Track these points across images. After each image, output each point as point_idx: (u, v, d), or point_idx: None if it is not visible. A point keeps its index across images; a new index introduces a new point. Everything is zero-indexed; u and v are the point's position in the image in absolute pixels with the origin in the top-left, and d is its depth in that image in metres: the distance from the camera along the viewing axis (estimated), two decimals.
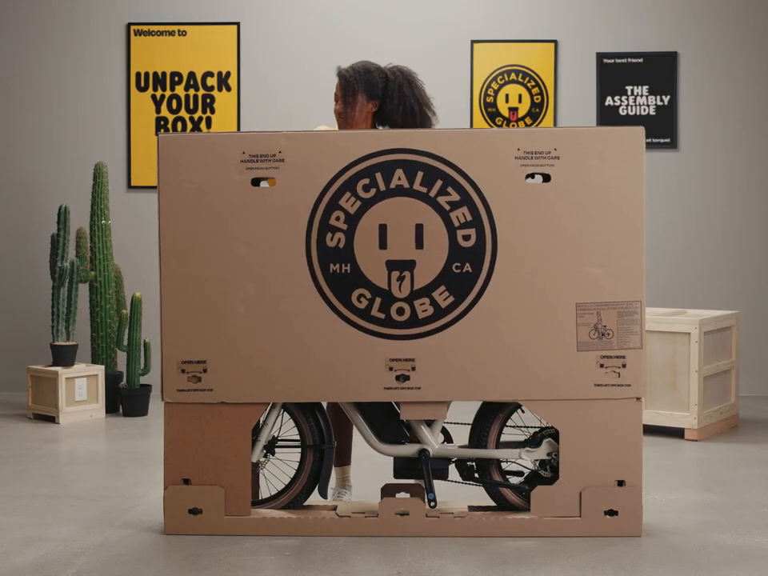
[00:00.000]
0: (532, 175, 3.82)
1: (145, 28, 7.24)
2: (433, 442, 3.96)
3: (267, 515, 3.92)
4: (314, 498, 4.09)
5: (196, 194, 3.83)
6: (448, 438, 4.03)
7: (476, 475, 4.01)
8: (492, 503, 4.03)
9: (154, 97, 7.24)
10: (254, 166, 3.81)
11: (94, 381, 6.41)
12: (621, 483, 3.89)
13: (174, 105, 7.23)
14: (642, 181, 3.80)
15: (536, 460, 3.98)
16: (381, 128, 4.29)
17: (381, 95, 4.26)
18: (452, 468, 4.05)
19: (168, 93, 7.24)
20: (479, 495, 4.21)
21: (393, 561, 3.62)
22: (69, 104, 7.26)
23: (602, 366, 3.84)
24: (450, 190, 3.79)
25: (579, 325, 3.81)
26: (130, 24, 7.22)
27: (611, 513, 3.88)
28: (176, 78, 7.25)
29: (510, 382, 3.83)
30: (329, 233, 3.80)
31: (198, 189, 3.82)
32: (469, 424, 4.07)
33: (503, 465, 4.07)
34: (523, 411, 4.08)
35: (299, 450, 4.03)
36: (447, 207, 3.79)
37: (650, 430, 5.79)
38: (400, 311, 3.81)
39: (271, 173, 3.81)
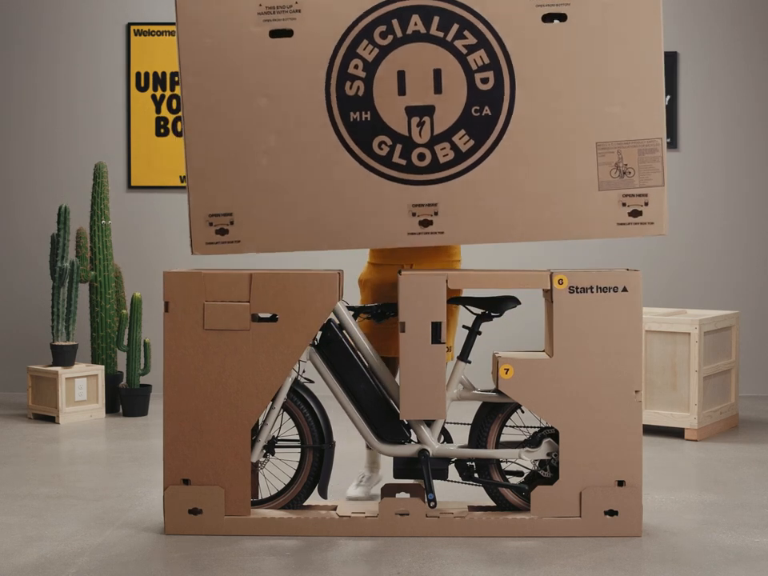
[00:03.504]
0: (548, 16, 3.79)
1: (145, 28, 7.24)
2: (433, 442, 3.96)
3: (267, 515, 3.92)
4: (314, 498, 4.09)
5: (215, 49, 3.86)
6: (448, 438, 4.03)
7: (476, 475, 4.01)
8: (492, 503, 4.03)
9: (153, 97, 7.24)
10: (271, 18, 3.84)
11: (93, 381, 6.41)
12: (621, 483, 3.89)
13: (174, 105, 7.23)
14: (659, 17, 3.76)
15: (536, 460, 3.98)
16: None
17: None
18: (452, 468, 4.05)
19: (168, 93, 7.24)
20: (479, 495, 4.21)
21: (393, 561, 3.62)
22: (69, 104, 7.26)
23: (624, 204, 3.83)
24: (466, 33, 3.79)
25: (600, 164, 3.82)
26: (130, 24, 7.22)
27: (611, 513, 3.88)
28: (176, 78, 7.24)
29: (532, 224, 3.84)
30: (348, 81, 3.83)
31: (217, 44, 3.85)
32: (469, 424, 4.07)
33: (503, 465, 4.07)
34: (523, 411, 4.08)
35: (299, 449, 4.04)
36: (464, 51, 3.79)
37: (650, 430, 5.79)
38: (421, 157, 3.83)
39: (288, 24, 3.83)
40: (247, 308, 3.90)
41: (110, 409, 6.55)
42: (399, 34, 3.81)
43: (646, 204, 3.83)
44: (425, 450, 3.95)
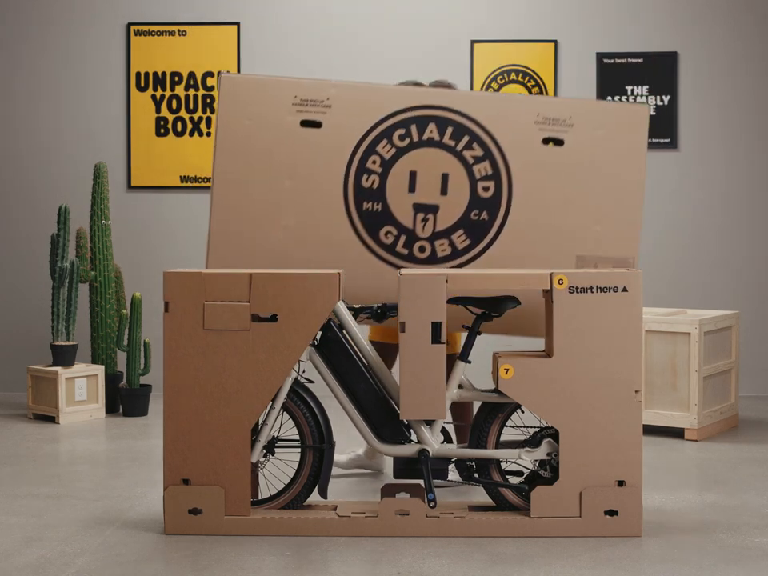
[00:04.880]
0: (547, 140, 4.20)
1: (145, 28, 7.24)
2: (433, 442, 3.96)
3: (267, 515, 3.92)
4: (314, 498, 4.09)
5: (251, 130, 4.20)
6: (448, 438, 4.03)
7: (476, 475, 4.01)
8: (492, 503, 4.03)
9: (153, 97, 7.24)
10: (304, 109, 4.21)
11: (93, 381, 6.41)
12: (621, 483, 3.89)
13: (174, 105, 7.23)
14: (643, 153, 4.18)
15: (536, 460, 3.98)
16: None
17: None
18: (451, 467, 4.05)
19: (168, 93, 7.24)
20: (479, 495, 4.21)
21: (393, 561, 3.62)
22: (69, 104, 7.26)
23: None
24: (475, 145, 4.20)
25: None
26: (129, 24, 7.22)
27: (611, 513, 3.88)
28: (176, 78, 7.25)
29: (512, 320, 4.24)
30: (365, 174, 4.21)
31: (253, 126, 4.21)
32: (469, 424, 4.07)
33: (503, 465, 4.07)
34: (523, 411, 4.08)
35: (299, 449, 4.04)
36: (471, 161, 4.20)
37: (650, 430, 5.80)
38: (422, 249, 4.24)
39: (318, 116, 4.21)
40: (247, 308, 3.90)
41: (110, 409, 6.55)
42: (416, 138, 4.21)
43: None
44: (425, 449, 3.95)
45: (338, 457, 4.85)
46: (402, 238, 4.23)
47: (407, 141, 4.20)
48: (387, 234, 4.22)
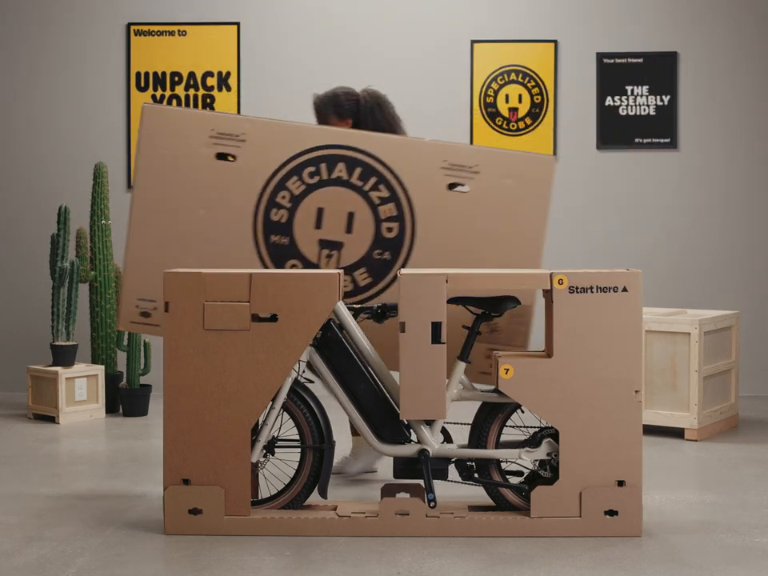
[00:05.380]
0: (452, 186, 4.30)
1: (145, 28, 7.24)
2: (433, 442, 3.96)
3: (267, 515, 3.92)
4: (314, 498, 4.09)
5: (169, 159, 4.34)
6: (448, 438, 4.03)
7: (476, 475, 4.01)
8: (492, 503, 4.03)
9: (154, 97, 7.24)
10: (220, 143, 4.35)
11: (93, 381, 6.41)
12: (621, 483, 3.89)
13: (174, 105, 7.23)
14: (547, 204, 4.27)
15: (536, 460, 3.98)
16: None
17: (351, 115, 4.75)
18: (452, 468, 4.05)
19: (168, 93, 7.24)
20: (479, 495, 4.21)
21: (393, 561, 3.62)
22: (69, 104, 7.26)
23: (488, 357, 4.35)
24: (381, 187, 4.32)
25: None
26: (130, 24, 7.22)
27: (611, 513, 3.88)
28: (176, 78, 7.25)
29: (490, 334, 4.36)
30: (274, 208, 4.35)
31: (171, 155, 4.34)
32: (469, 424, 4.07)
33: (503, 465, 4.07)
34: (523, 411, 4.08)
35: (299, 449, 4.03)
36: (377, 201, 4.33)
37: (650, 430, 5.80)
38: None
39: (233, 150, 4.35)
40: (247, 308, 3.90)
41: (110, 409, 6.55)
42: (325, 176, 4.34)
43: None
44: (425, 449, 3.95)
45: (341, 464, 4.77)
46: None
47: (316, 178, 4.34)
48: (293, 267, 4.35)
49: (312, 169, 4.34)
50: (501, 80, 7.19)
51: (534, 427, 4.07)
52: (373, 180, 4.32)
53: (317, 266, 4.33)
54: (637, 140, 7.17)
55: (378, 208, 4.33)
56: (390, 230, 4.33)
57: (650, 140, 7.15)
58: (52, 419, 6.26)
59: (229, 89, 7.24)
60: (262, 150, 4.34)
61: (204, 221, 4.34)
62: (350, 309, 4.09)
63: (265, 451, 4.02)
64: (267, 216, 4.34)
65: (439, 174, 4.30)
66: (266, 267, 4.34)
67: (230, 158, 4.35)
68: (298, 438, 4.05)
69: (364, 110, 4.74)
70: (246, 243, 4.35)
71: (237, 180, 4.34)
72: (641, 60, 7.17)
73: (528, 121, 7.19)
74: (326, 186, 4.34)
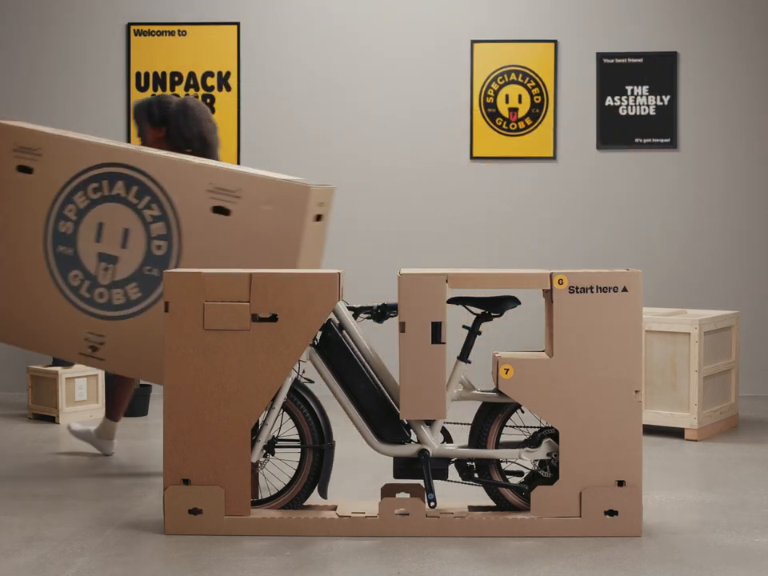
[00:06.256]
0: (216, 208, 4.48)
1: (145, 28, 7.24)
2: (433, 442, 3.96)
3: (267, 515, 3.92)
4: (314, 498, 4.09)
5: None
6: (448, 438, 4.03)
7: (476, 475, 4.01)
8: (492, 503, 4.03)
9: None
10: (21, 156, 4.70)
11: (93, 381, 6.41)
12: (621, 483, 3.89)
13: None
14: (301, 229, 4.40)
15: (536, 460, 3.98)
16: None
17: (163, 122, 5.06)
18: (452, 468, 4.05)
19: (168, 93, 7.24)
20: (479, 495, 4.21)
21: (393, 561, 3.62)
22: (69, 104, 7.26)
23: None
24: (154, 206, 4.56)
25: None
26: (129, 24, 7.22)
27: (611, 513, 3.88)
28: (176, 78, 7.25)
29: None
30: (62, 220, 4.65)
31: None
32: (469, 424, 4.07)
33: (503, 465, 4.07)
34: (523, 411, 4.08)
35: (299, 449, 4.04)
36: (149, 219, 4.57)
37: (650, 430, 5.80)
38: (101, 295, 4.63)
39: (31, 163, 4.68)
40: (247, 308, 3.90)
41: None
42: (106, 192, 4.61)
43: None
44: (425, 449, 3.95)
45: (75, 425, 5.34)
46: (86, 283, 4.63)
47: (99, 194, 4.61)
48: (75, 277, 4.64)
49: (96, 185, 4.61)
50: (501, 80, 7.19)
51: (534, 427, 4.07)
52: (147, 199, 4.56)
53: (95, 278, 4.62)
54: (637, 140, 7.17)
55: (150, 226, 4.56)
56: (159, 247, 4.55)
57: (649, 140, 7.15)
58: (52, 419, 6.26)
59: (229, 89, 7.24)
60: (55, 165, 4.64)
61: (3, 226, 4.72)
62: (349, 309, 4.09)
63: (265, 451, 4.02)
64: (56, 227, 4.65)
65: (205, 196, 4.49)
66: (52, 275, 4.66)
67: (29, 171, 4.68)
68: (297, 438, 4.05)
69: (173, 118, 5.03)
70: (36, 251, 4.68)
71: (33, 192, 4.67)
72: (641, 60, 7.17)
73: (528, 121, 7.19)
74: (106, 201, 4.61)
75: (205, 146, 5.06)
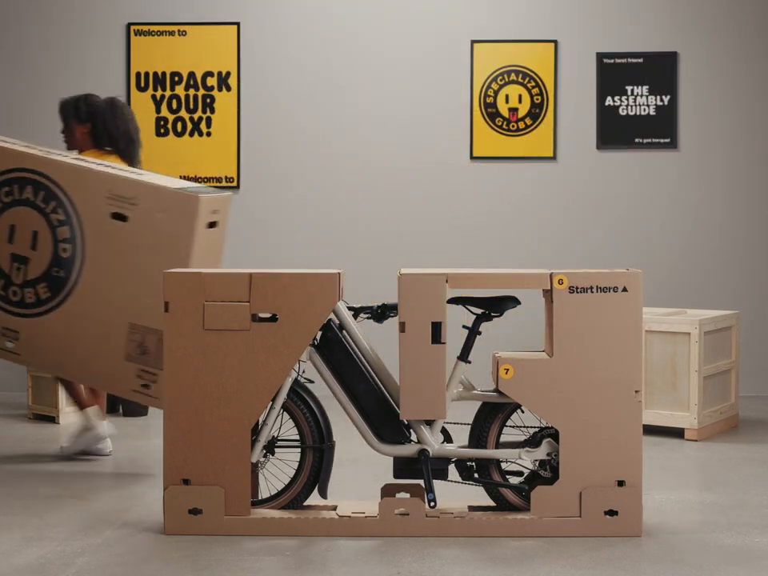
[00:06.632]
0: (115, 215, 4.70)
1: (145, 28, 7.24)
2: (433, 442, 3.96)
3: (267, 515, 3.92)
4: (314, 498, 4.09)
5: None
6: (448, 438, 4.03)
7: (476, 475, 4.01)
8: (492, 503, 4.03)
9: (153, 97, 7.24)
10: None
11: None
12: (621, 483, 3.89)
13: (174, 105, 7.23)
14: (191, 239, 4.62)
15: (536, 460, 3.98)
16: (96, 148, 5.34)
17: (89, 119, 5.30)
18: (452, 468, 4.05)
19: (168, 93, 7.24)
20: (479, 495, 4.21)
21: (393, 561, 3.62)
22: None
23: (139, 376, 4.77)
24: (59, 210, 4.78)
25: (129, 340, 4.75)
26: (129, 24, 7.22)
27: (611, 513, 3.88)
28: (176, 78, 7.25)
29: (78, 366, 4.87)
30: None
31: None
32: (469, 424, 4.07)
33: (503, 465, 4.07)
34: (523, 411, 4.08)
35: (299, 449, 4.04)
36: (56, 223, 4.80)
37: (650, 430, 5.79)
38: (15, 293, 4.88)
39: None
40: (247, 308, 3.90)
41: (110, 409, 6.54)
42: (17, 196, 4.84)
43: (155, 382, 4.74)
44: (425, 449, 3.95)
45: (65, 445, 5.27)
46: (2, 281, 4.89)
47: (11, 198, 4.84)
48: None
49: (8, 188, 4.84)
50: (501, 80, 7.19)
51: (534, 427, 4.07)
52: (53, 203, 4.78)
53: (9, 277, 4.87)
54: (637, 140, 7.17)
55: (56, 229, 4.79)
56: (65, 250, 4.79)
57: (649, 140, 7.15)
58: (52, 419, 6.26)
59: (229, 89, 7.24)
60: None
61: None
62: (349, 309, 4.09)
63: (265, 451, 4.02)
64: None
65: (104, 202, 4.72)
66: None
67: None
68: (298, 438, 4.05)
69: (101, 115, 5.26)
70: None
71: None
72: (641, 60, 7.17)
73: (528, 121, 7.19)
74: (18, 205, 4.83)
75: (130, 144, 5.29)
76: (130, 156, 5.28)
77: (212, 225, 4.79)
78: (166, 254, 4.65)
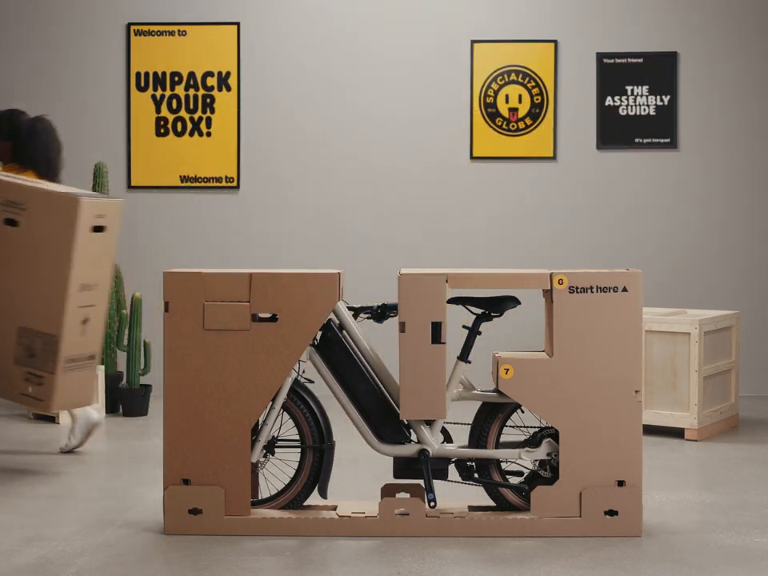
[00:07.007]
0: (7, 220, 4.77)
1: (145, 28, 7.24)
2: (433, 442, 3.96)
3: (267, 515, 3.92)
4: (314, 498, 4.09)
5: None
6: (448, 438, 4.03)
7: (476, 475, 4.01)
8: (492, 503, 4.03)
9: (154, 97, 7.24)
10: None
11: None
12: (621, 483, 3.89)
13: (174, 105, 7.23)
14: (71, 240, 4.66)
15: (536, 460, 3.98)
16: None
17: (9, 138, 5.37)
18: (452, 468, 4.05)
19: (168, 93, 7.24)
20: (479, 495, 4.21)
21: (393, 561, 3.62)
22: (69, 104, 7.26)
23: (27, 379, 4.79)
24: None
25: (19, 343, 4.77)
26: (130, 24, 7.22)
27: (611, 513, 3.88)
28: (176, 78, 7.25)
29: None
30: None
31: None
32: (469, 424, 4.07)
33: (503, 465, 4.07)
34: (523, 411, 4.08)
35: (299, 449, 4.04)
36: None
37: (650, 430, 5.80)
38: None
39: None
40: (247, 308, 3.90)
41: (110, 409, 6.55)
42: None
43: (40, 384, 4.76)
44: (425, 449, 3.95)
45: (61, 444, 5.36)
46: None
47: None
48: None
49: None
50: (501, 80, 7.19)
51: (534, 427, 4.07)
52: None
53: None
54: (637, 140, 7.17)
55: None
56: None
57: (649, 140, 7.15)
58: (52, 419, 6.26)
59: (229, 89, 7.24)
60: None
61: None
62: (349, 309, 4.09)
63: (265, 451, 4.02)
64: None
65: (1, 207, 4.79)
66: None
67: None
68: (298, 438, 4.05)
69: (20, 137, 5.35)
70: None
71: None
72: (641, 60, 7.17)
73: (528, 121, 7.19)
74: None
75: (49, 170, 5.41)
76: (49, 180, 5.32)
77: (98, 229, 4.81)
78: (51, 257, 4.72)
